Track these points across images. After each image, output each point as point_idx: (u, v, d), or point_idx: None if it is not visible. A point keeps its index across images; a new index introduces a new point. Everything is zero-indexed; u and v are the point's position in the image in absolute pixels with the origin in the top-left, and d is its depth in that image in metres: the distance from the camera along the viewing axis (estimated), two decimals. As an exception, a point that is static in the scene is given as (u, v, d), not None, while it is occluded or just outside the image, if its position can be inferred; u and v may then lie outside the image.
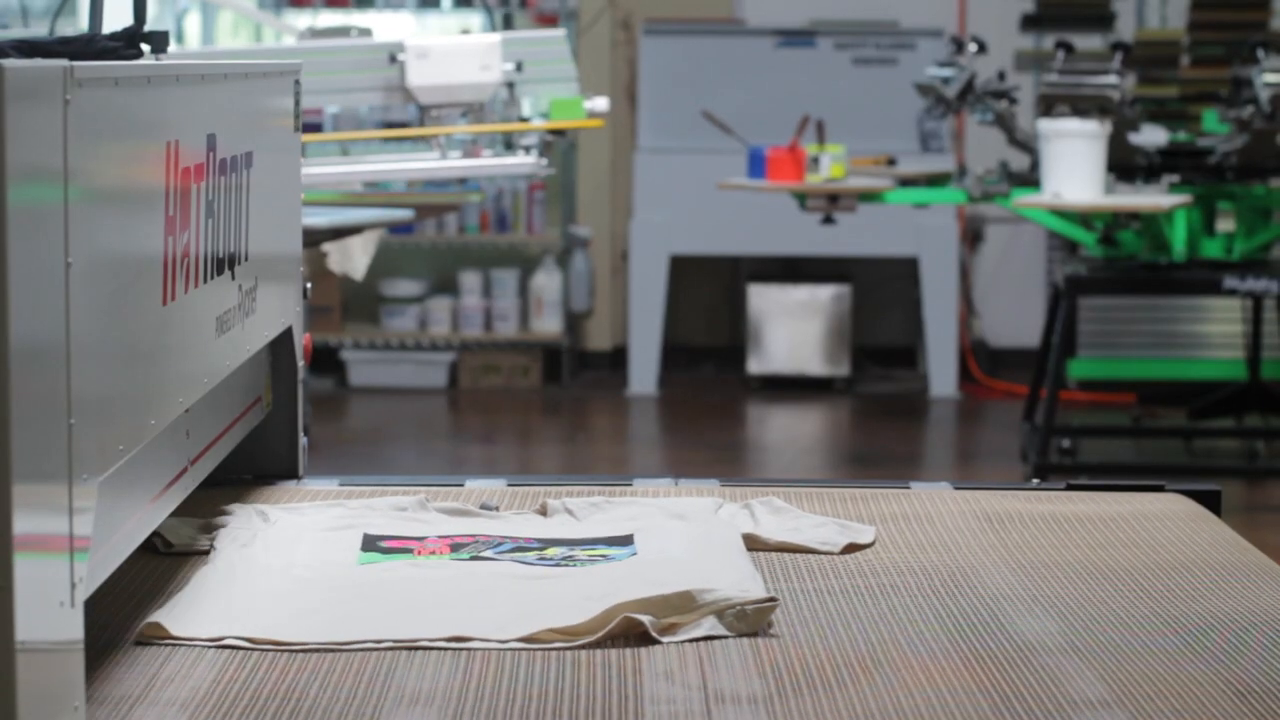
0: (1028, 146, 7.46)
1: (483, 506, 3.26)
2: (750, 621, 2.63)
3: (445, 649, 2.55)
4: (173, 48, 3.03)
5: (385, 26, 10.18)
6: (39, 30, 5.64)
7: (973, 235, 10.19)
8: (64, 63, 2.13)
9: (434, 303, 10.01)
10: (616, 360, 10.22)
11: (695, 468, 7.88)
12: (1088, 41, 9.12)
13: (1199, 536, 3.18)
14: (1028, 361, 8.53)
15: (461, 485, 3.46)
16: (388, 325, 10.01)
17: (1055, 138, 6.99)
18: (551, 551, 2.99)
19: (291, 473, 3.56)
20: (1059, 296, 7.50)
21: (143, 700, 2.37)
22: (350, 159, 5.88)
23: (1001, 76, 7.50)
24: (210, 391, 2.89)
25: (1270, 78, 7.19)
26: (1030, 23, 9.64)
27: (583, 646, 2.56)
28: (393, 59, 5.57)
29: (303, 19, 10.10)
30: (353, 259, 6.61)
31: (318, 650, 2.55)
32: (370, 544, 3.02)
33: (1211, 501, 3.41)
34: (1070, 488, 3.51)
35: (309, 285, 3.68)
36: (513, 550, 3.00)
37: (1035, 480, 5.12)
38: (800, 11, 10.09)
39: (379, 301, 10.05)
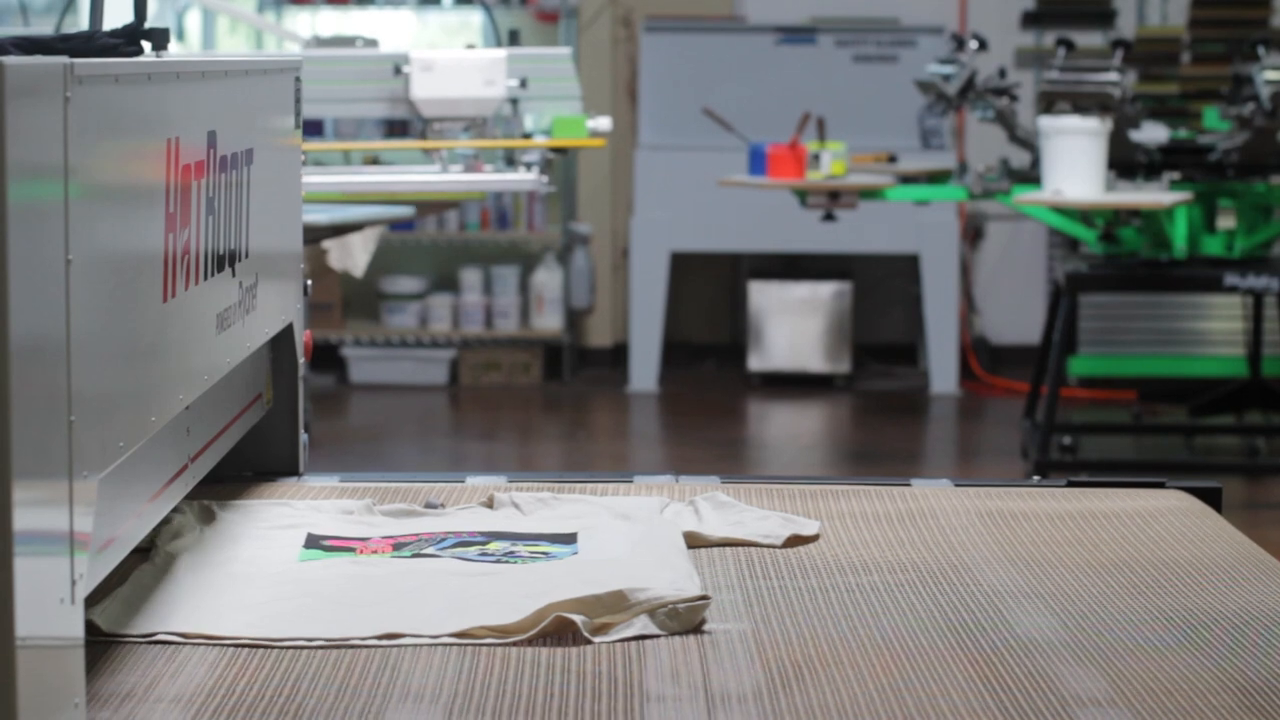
0: (1028, 144, 7.46)
1: (427, 505, 3.26)
2: (682, 620, 2.64)
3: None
4: (173, 46, 3.02)
5: (385, 24, 10.18)
6: (43, 28, 5.64)
7: (973, 232, 10.19)
8: (64, 60, 2.12)
9: (435, 300, 10.01)
10: (617, 357, 10.22)
11: (696, 465, 7.88)
12: (1088, 38, 9.12)
13: (1200, 533, 3.18)
14: (1028, 358, 8.52)
15: (462, 482, 3.46)
16: (388, 322, 10.01)
17: (1056, 135, 6.99)
18: (494, 546, 2.99)
19: (292, 469, 3.56)
20: (1060, 293, 7.49)
21: (143, 697, 2.37)
22: (351, 168, 5.89)
23: (1002, 74, 7.50)
24: (211, 388, 2.89)
25: (1271, 75, 7.19)
26: (1031, 20, 9.64)
27: (515, 644, 2.56)
28: (397, 71, 5.57)
29: (303, 17, 10.10)
30: (353, 256, 6.61)
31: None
32: (313, 542, 3.03)
33: (1212, 498, 3.41)
34: (1071, 485, 3.51)
35: (309, 282, 3.68)
36: (455, 545, 3.00)
37: (1036, 477, 5.11)
38: (801, 8, 10.08)
39: (379, 298, 10.05)
